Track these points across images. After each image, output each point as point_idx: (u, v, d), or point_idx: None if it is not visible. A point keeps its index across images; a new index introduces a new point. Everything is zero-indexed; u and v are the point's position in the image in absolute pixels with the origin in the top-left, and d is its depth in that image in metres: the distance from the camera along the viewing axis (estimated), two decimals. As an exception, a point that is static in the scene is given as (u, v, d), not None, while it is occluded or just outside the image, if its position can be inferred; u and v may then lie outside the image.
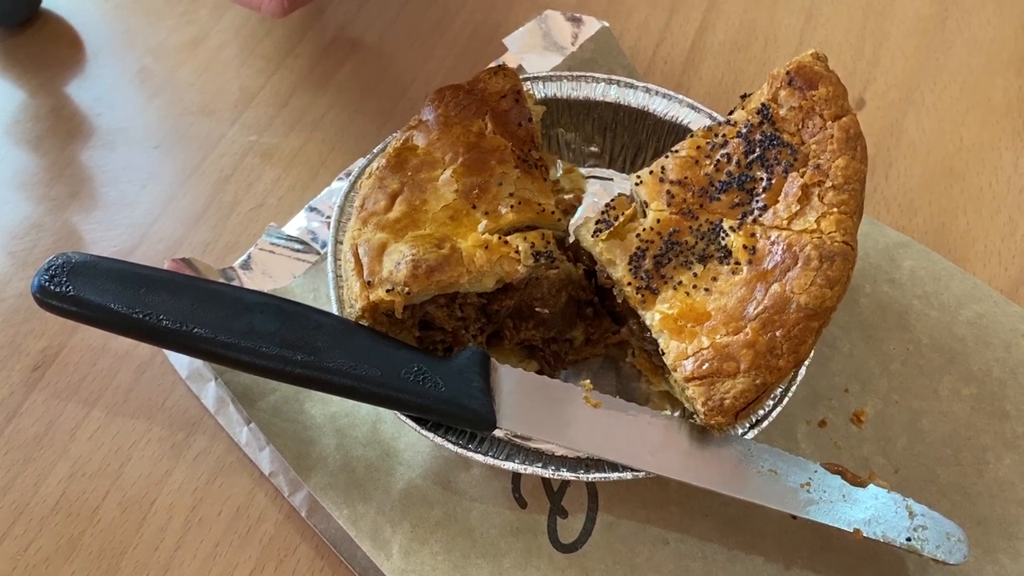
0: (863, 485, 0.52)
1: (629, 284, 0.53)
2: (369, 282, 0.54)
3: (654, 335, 0.53)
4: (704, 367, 0.50)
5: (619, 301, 0.56)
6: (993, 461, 0.57)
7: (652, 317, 0.53)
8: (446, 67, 0.80)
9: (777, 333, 0.50)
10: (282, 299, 0.54)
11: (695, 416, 0.51)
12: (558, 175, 0.67)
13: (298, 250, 0.68)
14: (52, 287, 0.52)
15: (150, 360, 0.65)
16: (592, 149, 0.72)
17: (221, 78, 0.80)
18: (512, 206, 0.57)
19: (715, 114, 0.66)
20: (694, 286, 0.52)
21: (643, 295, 0.53)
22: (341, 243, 0.59)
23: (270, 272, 0.67)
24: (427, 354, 0.53)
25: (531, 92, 0.65)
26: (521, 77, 0.65)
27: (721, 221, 0.54)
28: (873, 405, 0.60)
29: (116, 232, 0.71)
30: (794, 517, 0.50)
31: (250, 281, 0.66)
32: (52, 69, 0.81)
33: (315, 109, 0.78)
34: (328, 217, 0.69)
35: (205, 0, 0.85)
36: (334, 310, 0.57)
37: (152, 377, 0.64)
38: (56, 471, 0.60)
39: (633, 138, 0.70)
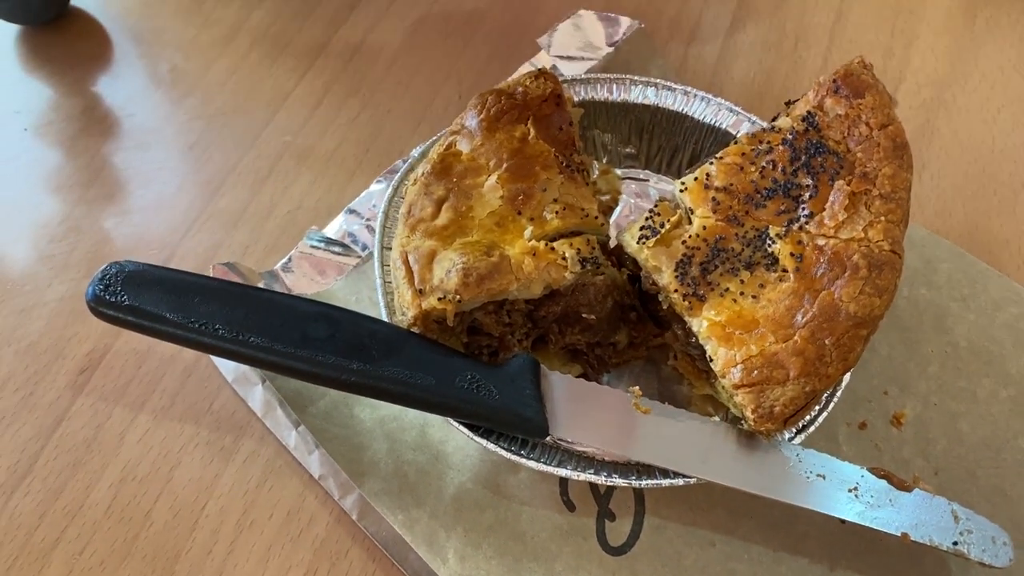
0: (909, 489, 0.53)
1: (676, 291, 0.54)
2: (421, 290, 0.54)
3: (701, 342, 0.53)
4: (754, 374, 0.51)
5: (664, 307, 0.57)
6: (1032, 463, 0.59)
7: (700, 324, 0.53)
8: (477, 66, 0.80)
9: (826, 341, 0.51)
10: (335, 307, 0.55)
11: (742, 422, 0.52)
12: (594, 176, 0.67)
13: (338, 253, 0.69)
14: (108, 296, 0.53)
15: (195, 364, 0.65)
16: (628, 151, 0.72)
17: (253, 77, 0.80)
18: (557, 212, 0.58)
19: (753, 117, 0.66)
20: (741, 293, 0.53)
21: (690, 302, 0.54)
22: (388, 249, 0.60)
23: (311, 275, 0.67)
24: (479, 362, 0.54)
25: (569, 95, 0.66)
26: (560, 79, 0.66)
27: (767, 228, 0.55)
28: (912, 407, 0.61)
29: (155, 234, 0.72)
30: (843, 521, 0.51)
31: (292, 284, 0.67)
32: (83, 67, 0.81)
33: (348, 110, 0.78)
34: (367, 220, 0.70)
35: (234, -2, 0.86)
36: (383, 317, 0.57)
37: (198, 380, 0.65)
38: (107, 475, 0.61)
39: (670, 140, 0.70)
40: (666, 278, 0.55)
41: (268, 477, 0.61)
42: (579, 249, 0.56)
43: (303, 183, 0.74)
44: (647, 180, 0.72)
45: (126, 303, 0.53)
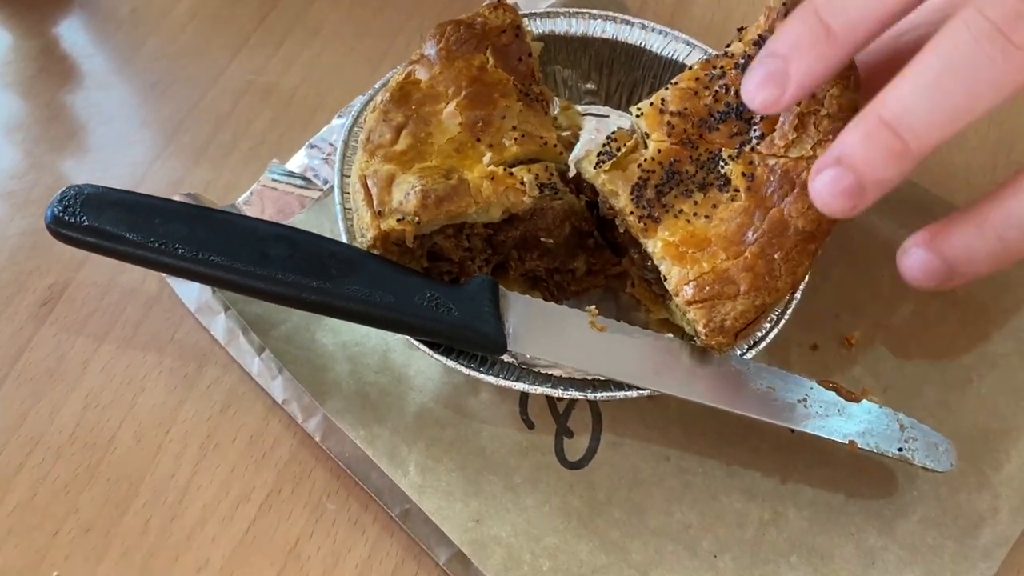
0: (856, 400, 0.54)
1: (631, 213, 0.55)
2: (380, 212, 0.55)
3: (656, 262, 0.54)
4: (705, 290, 0.52)
5: (621, 231, 0.58)
6: (976, 379, 0.60)
7: (654, 245, 0.54)
8: (440, 5, 0.80)
9: (775, 256, 0.52)
10: (294, 229, 0.55)
11: (696, 339, 0.54)
12: (555, 112, 0.68)
13: (300, 186, 0.69)
14: (66, 217, 0.53)
15: (158, 295, 0.66)
16: (588, 86, 0.73)
17: (215, 18, 0.80)
18: (516, 139, 0.58)
19: (710, 50, 0.67)
20: (695, 214, 0.54)
21: (645, 224, 0.55)
22: (348, 176, 0.61)
23: (273, 208, 0.68)
24: (438, 281, 0.55)
25: (529, 28, 0.66)
26: (520, 12, 0.66)
27: (720, 150, 0.56)
28: (863, 329, 0.63)
29: (116, 171, 0.72)
30: (792, 431, 0.53)
31: (255, 215, 0.67)
32: (41, 9, 0.80)
33: (311, 49, 0.78)
34: (328, 154, 0.70)
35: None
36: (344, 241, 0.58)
37: (160, 311, 0.65)
38: (70, 403, 0.61)
39: (629, 75, 0.71)
40: (622, 201, 0.56)
41: (232, 403, 0.61)
42: (537, 175, 0.57)
43: (265, 120, 0.74)
44: (607, 116, 0.73)
45: (85, 223, 0.53)
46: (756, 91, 0.48)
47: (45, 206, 0.68)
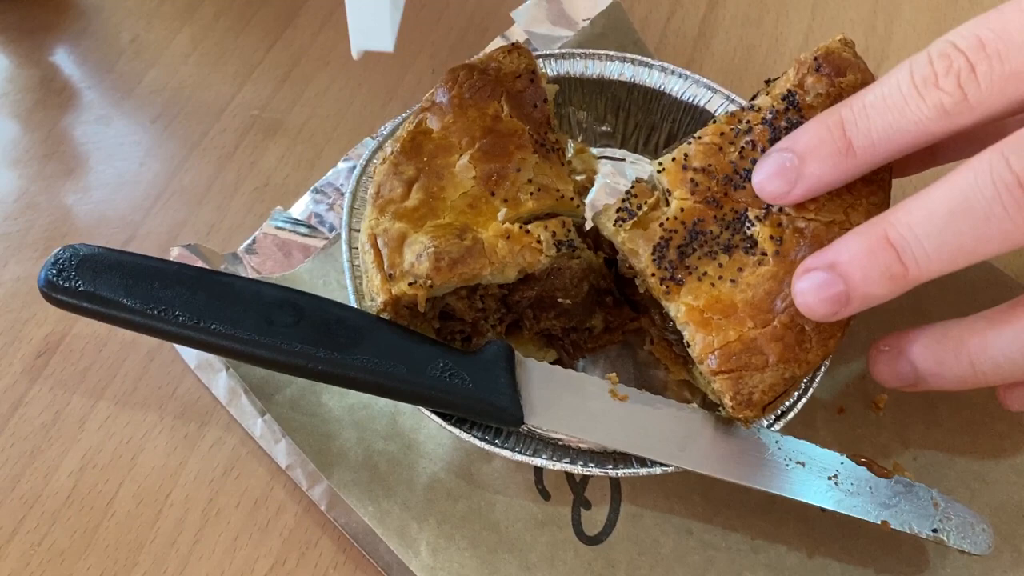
0: (888, 476, 0.52)
1: (653, 275, 0.53)
2: (391, 275, 0.52)
3: (679, 327, 0.52)
4: (732, 360, 0.50)
5: (641, 291, 0.55)
6: (1010, 448, 0.58)
7: (677, 309, 0.52)
8: (451, 40, 0.78)
9: (806, 327, 0.50)
10: (300, 292, 0.53)
11: (720, 408, 0.51)
12: (569, 155, 0.65)
13: (304, 234, 0.66)
14: (60, 282, 0.51)
15: (158, 348, 0.63)
16: (604, 128, 0.71)
17: (218, 49, 0.77)
18: (532, 193, 0.56)
19: (732, 95, 0.65)
20: (720, 277, 0.52)
21: (667, 286, 0.52)
22: (357, 231, 0.58)
23: (276, 257, 0.65)
24: (452, 349, 0.52)
25: (543, 71, 0.64)
26: (534, 54, 0.64)
27: (746, 210, 0.53)
28: (890, 392, 0.60)
29: (116, 212, 0.69)
30: (823, 510, 0.51)
31: (257, 266, 0.65)
32: (39, 37, 0.78)
33: (317, 83, 0.75)
34: (334, 200, 0.68)
35: (197, -34, 0.82)
36: (351, 302, 0.55)
37: (161, 365, 0.63)
38: (66, 462, 0.59)
39: (647, 118, 0.69)
40: (643, 262, 0.53)
41: (235, 465, 0.59)
42: (554, 232, 0.55)
43: (270, 159, 0.72)
44: (623, 159, 0.71)
45: (80, 288, 0.51)
46: (766, 181, 0.50)
47: (40, 250, 0.67)
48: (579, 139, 0.71)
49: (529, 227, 0.55)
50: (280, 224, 0.66)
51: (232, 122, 0.73)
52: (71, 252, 0.52)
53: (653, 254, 0.53)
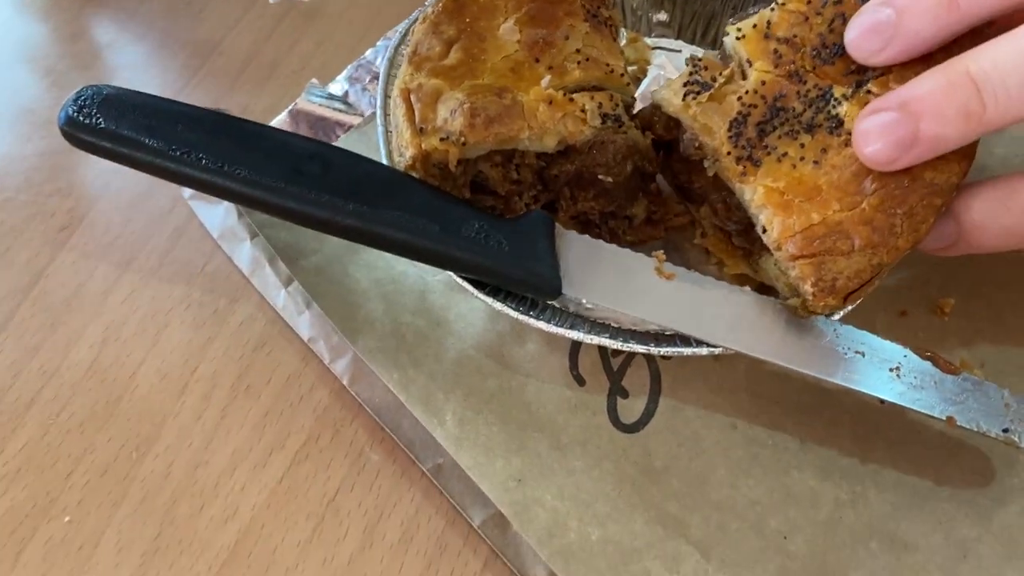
0: (956, 373, 0.48)
1: (728, 153, 0.48)
2: (422, 129, 0.49)
3: (754, 211, 0.47)
4: (815, 244, 0.45)
5: (710, 175, 0.50)
6: (1088, 357, 0.53)
7: (753, 192, 0.47)
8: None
9: (898, 210, 0.45)
10: (330, 146, 0.50)
11: (792, 301, 0.47)
12: (623, 43, 0.61)
13: (340, 110, 0.63)
14: (82, 119, 0.48)
15: (186, 224, 0.61)
16: (660, 17, 0.67)
17: (259, -67, 0.75)
18: (579, 63, 0.52)
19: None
20: (801, 158, 0.47)
21: (744, 167, 0.47)
22: (391, 97, 0.55)
23: (310, 132, 0.63)
24: (488, 212, 0.49)
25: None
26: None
27: (831, 88, 0.48)
28: (957, 296, 0.56)
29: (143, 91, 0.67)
30: (882, 402, 0.47)
31: (289, 144, 0.62)
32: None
33: (360, -30, 0.72)
34: (371, 81, 0.64)
35: None
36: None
37: (189, 241, 0.60)
38: (88, 335, 0.57)
39: (706, 6, 0.65)
40: (718, 139, 0.48)
41: (266, 342, 0.56)
42: (601, 103, 0.51)
43: (308, 43, 0.69)
44: (679, 51, 0.67)
45: (101, 126, 0.48)
46: (860, 38, 0.46)
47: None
48: (633, 28, 0.67)
49: (574, 96, 0.51)
50: (315, 98, 0.63)
51: (270, 7, 0.71)
52: (94, 91, 0.49)
53: (729, 131, 0.48)
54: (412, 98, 0.50)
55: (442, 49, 0.52)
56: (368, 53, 0.66)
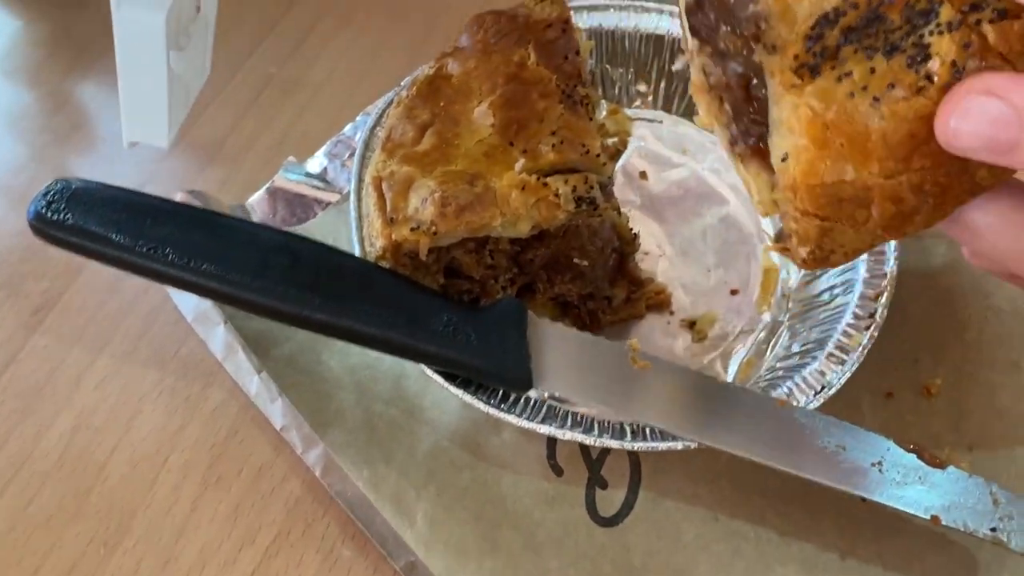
0: (942, 467, 0.46)
1: (796, 57, 0.35)
2: (392, 219, 0.48)
3: (783, 129, 0.36)
4: (834, 207, 0.35)
5: (754, 60, 0.37)
6: (1082, 443, 0.52)
7: (795, 110, 0.35)
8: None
9: (930, 198, 0.36)
10: (299, 236, 0.49)
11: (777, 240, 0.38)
12: (602, 116, 0.61)
13: (317, 187, 0.63)
14: (50, 214, 0.48)
15: (162, 305, 0.60)
16: (640, 88, 0.66)
17: (238, 5, 0.74)
18: (554, 145, 0.51)
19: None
20: (864, 87, 0.35)
21: (801, 76, 0.35)
22: (365, 181, 0.54)
23: (286, 210, 0.62)
24: (458, 303, 0.48)
25: (578, 26, 0.59)
26: (568, 3, 0.59)
27: (941, 3, 0.35)
28: (945, 376, 0.54)
29: (123, 168, 0.66)
30: (864, 500, 0.45)
31: (265, 218, 0.62)
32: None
33: (339, 41, 0.72)
34: (349, 156, 0.64)
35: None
36: (356, 253, 0.52)
37: (164, 324, 0.59)
38: (59, 422, 0.56)
39: (685, 76, 0.64)
40: (794, 33, 0.35)
41: (238, 430, 0.55)
42: (575, 186, 0.50)
43: (288, 116, 0.69)
44: (661, 122, 0.66)
45: (70, 222, 0.48)
46: None
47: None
48: (613, 99, 0.66)
49: (548, 180, 0.50)
50: (292, 176, 0.63)
51: (250, 78, 0.70)
52: (63, 185, 0.49)
53: (813, 28, 0.35)
54: (384, 186, 0.50)
55: (415, 134, 0.52)
56: (347, 128, 0.65)
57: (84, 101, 0.70)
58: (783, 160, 0.36)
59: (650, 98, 0.66)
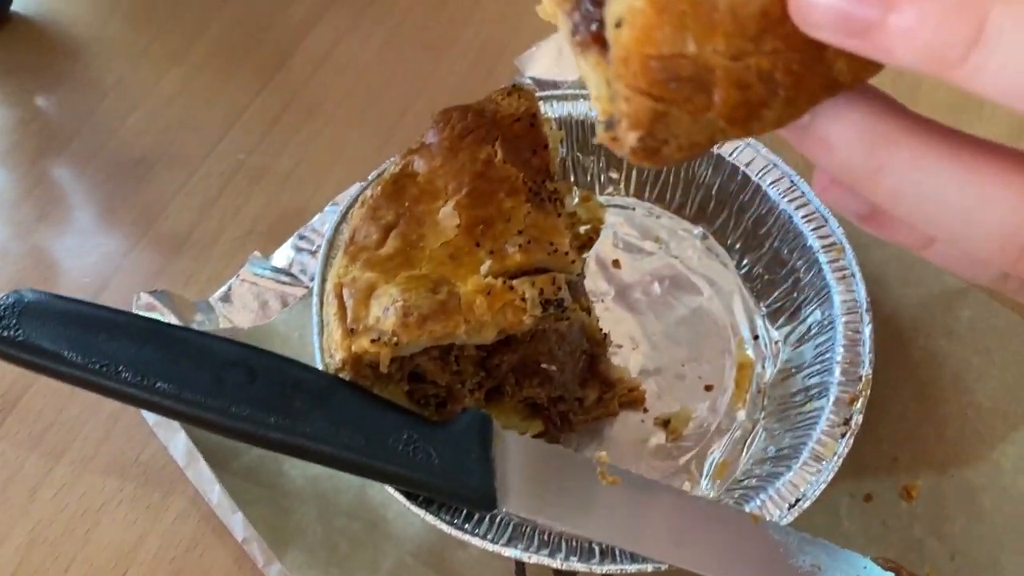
0: (922, 584, 0.45)
1: None
2: (352, 329, 0.47)
3: None
4: (670, 86, 0.29)
5: None
6: (1066, 548, 0.50)
7: None
8: (451, 85, 0.73)
9: (780, 90, 0.30)
10: (257, 350, 0.48)
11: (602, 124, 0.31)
12: (574, 203, 0.60)
13: (284, 283, 0.62)
14: (1, 331, 0.46)
15: (123, 409, 0.58)
16: (612, 175, 0.65)
17: (206, 91, 0.74)
18: (520, 245, 0.50)
19: (762, 148, 0.60)
20: None
21: None
22: (328, 279, 0.53)
23: (252, 306, 0.61)
24: (419, 418, 0.47)
25: (547, 116, 0.59)
26: (537, 95, 0.59)
27: None
28: (925, 478, 0.53)
29: (88, 260, 0.65)
30: (840, 622, 0.44)
31: (230, 314, 0.60)
32: (21, 77, 0.75)
33: (308, 127, 0.71)
34: (316, 248, 0.63)
35: (189, 4, 0.79)
36: (317, 360, 0.50)
37: (125, 427, 0.58)
38: (14, 535, 0.54)
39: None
40: None
41: (200, 541, 0.53)
42: (542, 289, 0.49)
43: (255, 206, 0.68)
44: (633, 209, 0.65)
45: (20, 338, 0.46)
46: None
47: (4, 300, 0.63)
48: (585, 186, 0.65)
49: (514, 283, 0.49)
50: (258, 271, 0.61)
51: (217, 166, 0.69)
52: (15, 298, 0.48)
53: None
54: (345, 294, 0.48)
55: (379, 236, 0.51)
56: (315, 219, 0.64)
57: (50, 191, 0.68)
58: (617, 26, 0.30)
59: (622, 185, 0.65)
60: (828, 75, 0.31)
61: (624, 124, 0.30)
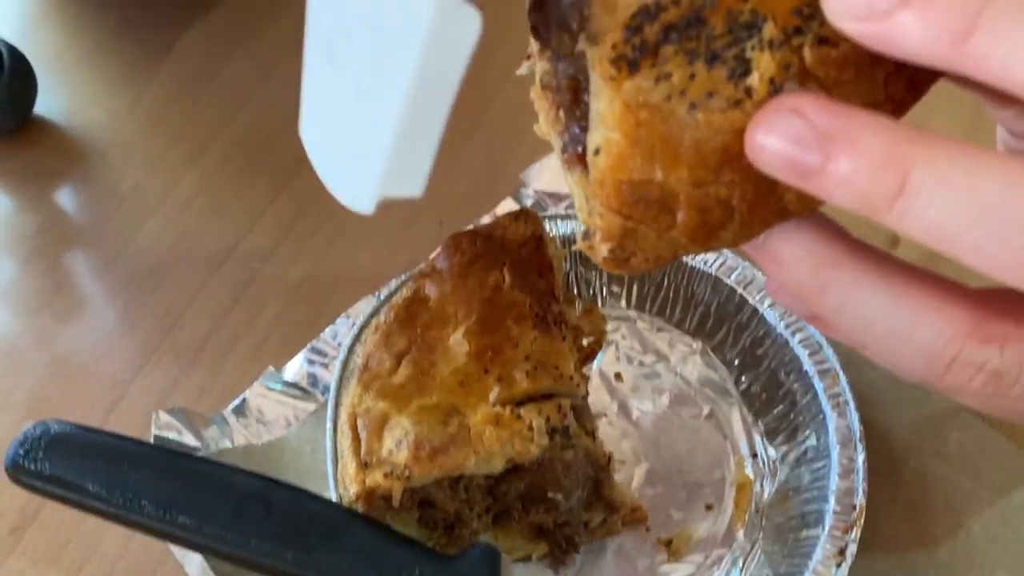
0: None
1: (613, 47, 0.34)
2: (366, 462, 0.49)
3: (594, 121, 0.35)
4: (639, 207, 0.33)
5: (576, 47, 0.36)
6: None
7: (610, 102, 0.34)
8: (459, 192, 0.76)
9: (735, 216, 0.34)
10: (274, 482, 0.49)
11: (586, 238, 0.35)
12: (577, 315, 0.62)
13: (296, 397, 0.64)
14: (27, 464, 0.48)
15: (137, 522, 0.60)
16: (614, 288, 0.68)
17: (222, 196, 0.77)
18: (527, 372, 0.52)
19: (746, 264, 0.62)
20: (682, 92, 0.34)
21: (619, 68, 0.34)
22: (342, 405, 0.55)
23: (265, 420, 0.63)
24: (430, 554, 0.48)
25: (552, 235, 0.61)
26: (541, 215, 0.61)
27: (766, 20, 0.34)
28: (924, 598, 0.55)
29: (106, 371, 0.67)
30: None
31: (245, 428, 0.62)
32: (41, 183, 0.78)
33: (321, 236, 0.74)
34: (328, 360, 0.65)
35: (206, 108, 0.82)
36: (331, 488, 0.52)
37: (142, 543, 0.59)
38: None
39: (658, 277, 0.66)
40: (614, 21, 0.34)
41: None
42: (548, 417, 0.51)
43: (269, 316, 0.70)
44: (635, 321, 0.68)
45: (47, 472, 0.48)
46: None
47: (22, 413, 0.65)
48: (588, 299, 0.68)
49: (521, 411, 0.51)
50: (271, 386, 0.63)
51: (232, 274, 0.72)
52: (42, 430, 0.49)
53: (633, 19, 0.34)
54: (359, 424, 0.50)
55: (392, 364, 0.53)
56: (326, 332, 0.66)
57: (66, 302, 0.70)
58: (596, 154, 0.34)
59: (623, 299, 0.68)
60: (779, 204, 0.34)
61: (599, 236, 0.34)
